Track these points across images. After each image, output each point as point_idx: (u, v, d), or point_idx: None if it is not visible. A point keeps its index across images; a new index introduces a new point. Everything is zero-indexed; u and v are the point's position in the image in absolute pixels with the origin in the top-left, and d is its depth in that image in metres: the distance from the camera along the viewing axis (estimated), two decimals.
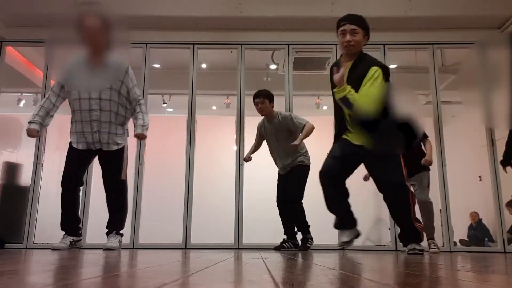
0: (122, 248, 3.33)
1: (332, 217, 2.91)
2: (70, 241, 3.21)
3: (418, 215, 3.89)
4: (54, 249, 3.09)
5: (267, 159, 4.20)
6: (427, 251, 3.82)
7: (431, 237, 3.94)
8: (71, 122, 3.32)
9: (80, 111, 3.22)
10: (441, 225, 4.91)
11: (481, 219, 6.89)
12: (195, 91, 4.97)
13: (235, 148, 4.85)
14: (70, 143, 3.33)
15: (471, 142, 6.19)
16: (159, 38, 5.08)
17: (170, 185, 5.77)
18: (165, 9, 4.89)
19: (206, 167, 5.85)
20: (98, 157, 3.37)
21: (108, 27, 3.00)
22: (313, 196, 3.79)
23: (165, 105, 7.31)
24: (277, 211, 4.04)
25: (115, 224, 3.29)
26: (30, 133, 3.19)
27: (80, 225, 3.40)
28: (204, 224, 5.03)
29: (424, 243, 3.60)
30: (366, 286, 0.77)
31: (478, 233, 6.77)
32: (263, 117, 4.05)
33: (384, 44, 5.01)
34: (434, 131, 4.77)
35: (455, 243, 5.34)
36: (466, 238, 6.89)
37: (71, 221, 3.29)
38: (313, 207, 3.63)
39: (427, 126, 4.38)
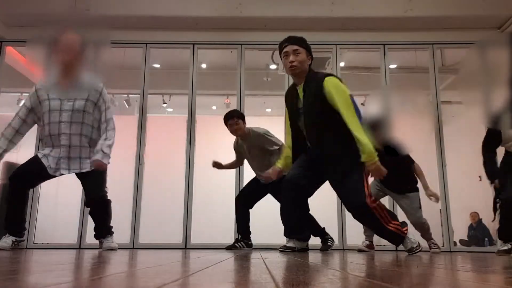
0: (121, 248, 3.34)
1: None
2: (12, 241, 2.98)
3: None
4: None
5: None
6: (428, 251, 3.82)
7: (430, 238, 3.92)
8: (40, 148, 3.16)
9: (49, 136, 3.04)
10: (441, 225, 4.91)
11: (481, 219, 6.89)
12: (195, 91, 4.97)
13: None
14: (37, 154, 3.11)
15: (471, 142, 6.19)
16: (159, 38, 5.08)
17: (170, 185, 5.78)
18: (165, 9, 4.89)
19: (206, 167, 5.84)
20: (77, 176, 3.17)
21: (84, 45, 2.96)
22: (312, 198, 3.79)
23: (165, 105, 7.31)
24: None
25: (108, 230, 3.21)
26: None
27: (25, 226, 3.15)
28: (204, 224, 5.04)
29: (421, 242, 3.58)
30: (366, 286, 0.77)
31: (478, 233, 6.78)
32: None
33: (384, 44, 5.01)
34: (434, 131, 4.77)
35: (455, 243, 5.35)
36: (466, 238, 6.89)
37: (17, 221, 3.06)
38: (311, 206, 3.61)
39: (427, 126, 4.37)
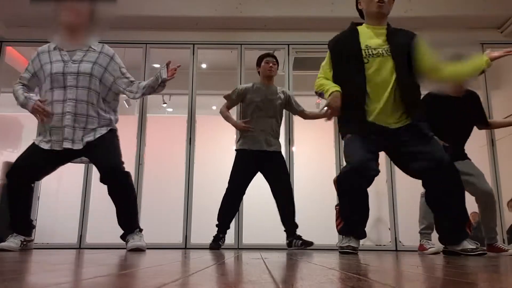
0: (121, 248, 3.30)
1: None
2: (21, 241, 2.74)
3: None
4: (1, 250, 2.59)
5: None
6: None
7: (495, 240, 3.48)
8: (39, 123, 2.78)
9: (52, 103, 2.72)
10: None
11: None
12: (195, 91, 4.98)
13: (235, 148, 4.85)
14: (33, 143, 2.79)
15: (471, 142, 6.19)
16: (159, 38, 5.09)
17: (170, 185, 5.78)
18: (165, 9, 4.89)
19: (206, 167, 5.85)
20: (82, 153, 2.77)
21: (91, 5, 2.78)
22: (313, 194, 3.79)
23: (165, 105, 7.31)
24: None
25: (136, 218, 2.92)
26: (39, 107, 2.67)
27: (33, 224, 2.91)
28: (204, 224, 5.03)
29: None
30: (366, 286, 0.77)
31: (478, 233, 6.78)
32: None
33: None
34: None
35: None
36: None
37: (22, 221, 2.80)
38: (313, 205, 3.61)
39: None
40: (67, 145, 2.70)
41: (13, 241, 2.69)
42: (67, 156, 2.80)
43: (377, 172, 2.51)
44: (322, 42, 5.06)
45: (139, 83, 2.97)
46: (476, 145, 5.90)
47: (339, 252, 2.57)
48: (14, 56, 5.51)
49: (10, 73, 5.36)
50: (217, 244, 3.63)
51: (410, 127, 2.52)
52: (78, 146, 2.73)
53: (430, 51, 2.58)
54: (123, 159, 2.84)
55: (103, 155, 2.76)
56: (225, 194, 3.74)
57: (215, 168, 6.54)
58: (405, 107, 2.54)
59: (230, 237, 4.51)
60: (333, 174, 4.51)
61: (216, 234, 3.70)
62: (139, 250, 2.71)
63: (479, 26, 4.94)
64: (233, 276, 1.00)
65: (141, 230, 2.90)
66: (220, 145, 6.68)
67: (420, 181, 3.29)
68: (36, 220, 4.70)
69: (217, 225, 3.73)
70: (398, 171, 3.73)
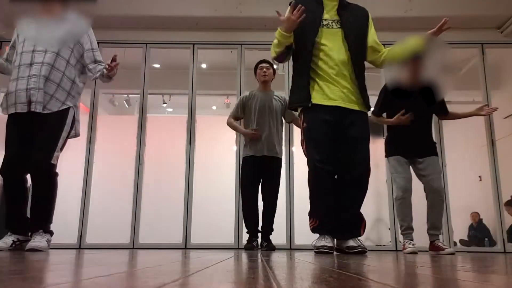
0: (122, 248, 3.28)
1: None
2: (13, 240, 2.67)
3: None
4: None
5: None
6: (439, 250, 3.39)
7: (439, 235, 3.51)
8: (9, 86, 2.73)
9: (19, 67, 2.68)
10: None
11: (481, 219, 6.89)
12: (195, 91, 4.98)
13: (235, 148, 4.86)
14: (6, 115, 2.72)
15: (471, 142, 6.20)
16: (159, 38, 5.09)
17: (170, 185, 5.78)
18: (165, 9, 4.89)
19: (206, 167, 5.85)
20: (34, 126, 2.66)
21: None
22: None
23: (165, 105, 7.31)
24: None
25: (46, 220, 2.77)
26: None
27: (27, 223, 2.79)
28: (204, 224, 5.04)
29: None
30: (366, 286, 0.77)
31: (478, 233, 6.78)
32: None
33: (384, 44, 5.00)
34: (434, 131, 4.77)
35: (455, 243, 5.35)
36: (466, 238, 6.89)
37: (18, 217, 2.73)
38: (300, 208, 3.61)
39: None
40: (31, 108, 2.62)
41: (4, 241, 2.64)
42: (29, 122, 2.68)
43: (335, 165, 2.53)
44: None
45: (99, 65, 2.88)
46: (476, 145, 5.91)
47: (315, 252, 2.52)
48: None
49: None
50: (250, 245, 3.80)
51: (358, 117, 2.57)
52: (39, 109, 2.63)
53: (374, 32, 2.69)
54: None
55: (41, 144, 2.62)
56: (242, 202, 3.94)
57: (215, 168, 6.55)
58: (358, 89, 2.62)
59: (229, 237, 4.51)
60: None
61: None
62: (36, 250, 2.55)
63: (479, 26, 4.94)
64: (233, 276, 1.00)
65: (47, 233, 2.73)
66: (220, 145, 6.68)
67: (420, 182, 3.34)
68: None
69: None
70: None
